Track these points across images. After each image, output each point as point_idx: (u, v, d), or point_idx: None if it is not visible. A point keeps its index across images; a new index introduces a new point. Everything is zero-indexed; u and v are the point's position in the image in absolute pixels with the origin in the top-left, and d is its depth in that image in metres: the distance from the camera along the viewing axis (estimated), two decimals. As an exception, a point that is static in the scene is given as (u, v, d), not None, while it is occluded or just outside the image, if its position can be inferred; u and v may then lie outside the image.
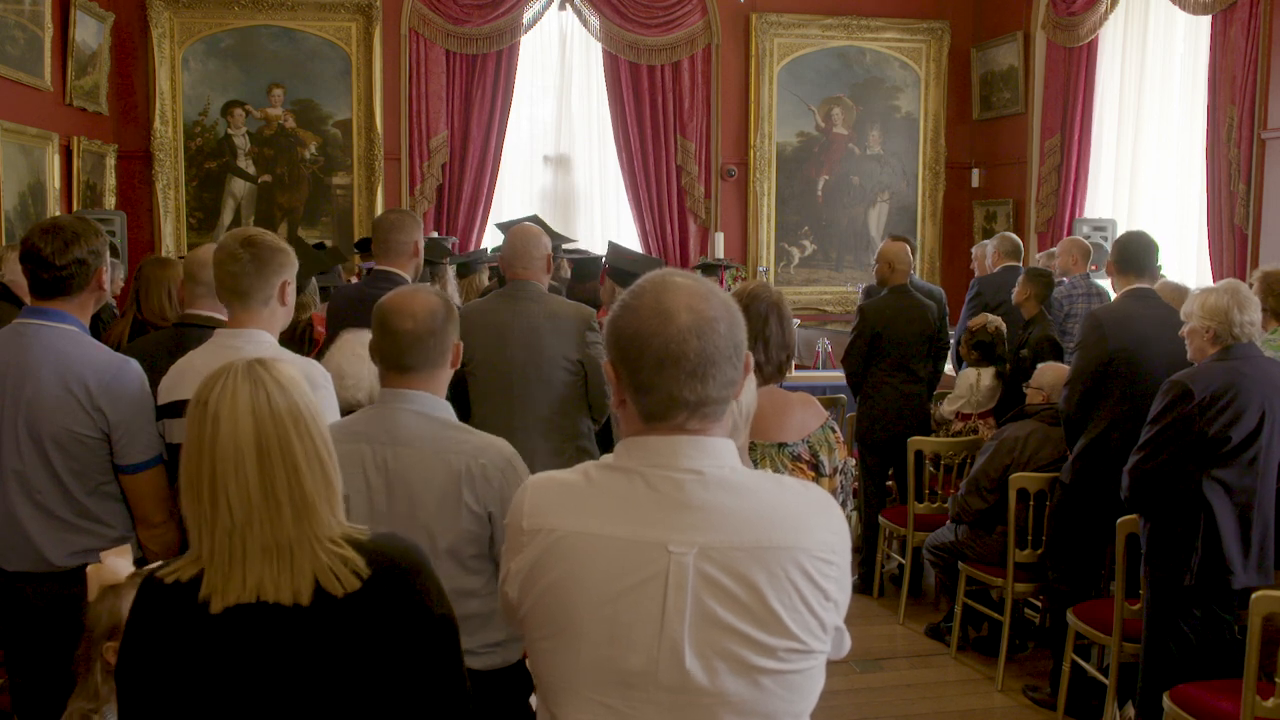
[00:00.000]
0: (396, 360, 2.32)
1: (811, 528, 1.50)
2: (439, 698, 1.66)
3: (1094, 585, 4.45)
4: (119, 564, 2.12)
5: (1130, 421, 4.04)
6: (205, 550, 1.56)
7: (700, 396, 1.47)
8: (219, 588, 1.56)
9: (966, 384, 5.75)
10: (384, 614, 1.59)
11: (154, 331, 3.60)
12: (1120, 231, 7.57)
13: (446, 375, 2.39)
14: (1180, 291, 4.69)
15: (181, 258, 4.17)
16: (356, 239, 8.14)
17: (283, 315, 2.82)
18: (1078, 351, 4.29)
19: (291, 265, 2.79)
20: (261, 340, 2.70)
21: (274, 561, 1.55)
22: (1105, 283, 6.14)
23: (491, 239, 8.51)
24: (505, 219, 7.35)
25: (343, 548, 1.59)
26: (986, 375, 5.73)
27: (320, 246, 7.21)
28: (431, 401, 2.34)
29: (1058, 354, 5.39)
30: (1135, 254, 4.33)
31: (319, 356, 3.21)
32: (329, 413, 2.63)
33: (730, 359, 1.49)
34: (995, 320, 5.75)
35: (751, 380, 2.11)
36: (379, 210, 8.46)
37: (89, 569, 2.12)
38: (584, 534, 1.48)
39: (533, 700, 2.08)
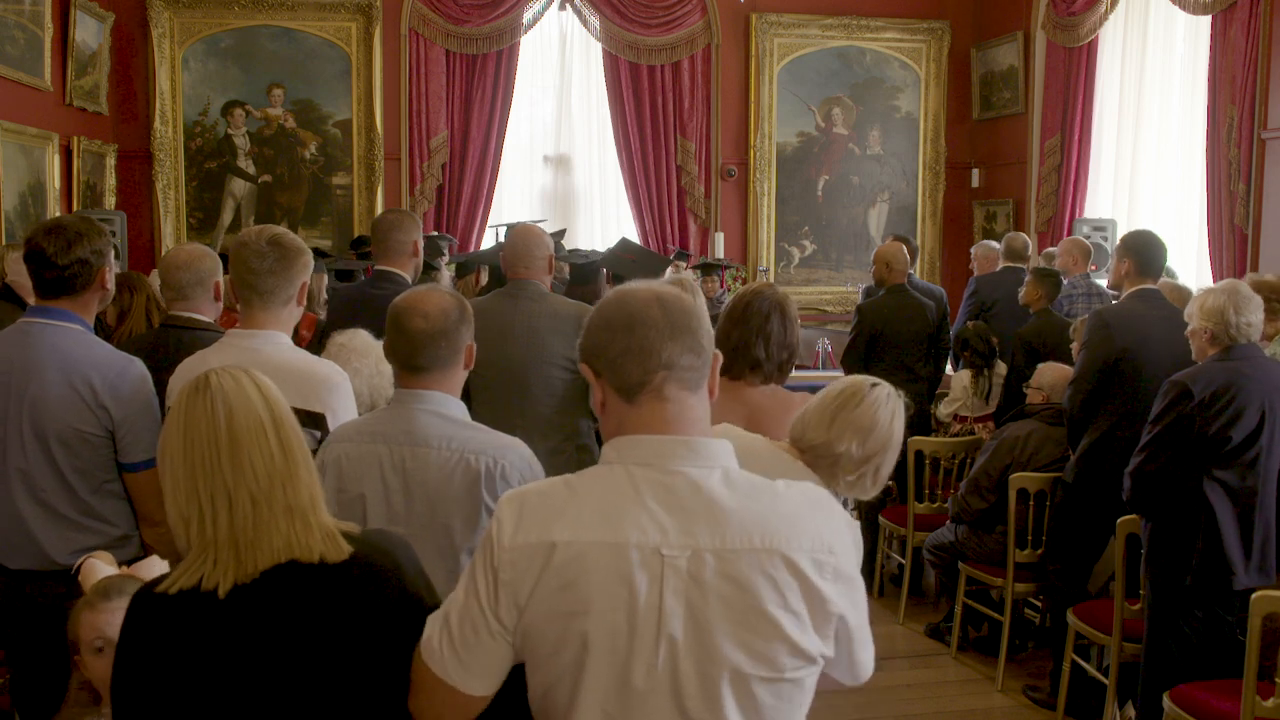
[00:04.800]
0: (409, 360, 2.32)
1: (806, 527, 1.49)
2: None
3: (1084, 587, 4.46)
4: (99, 567, 2.12)
5: (1134, 421, 4.04)
6: (224, 528, 1.58)
7: (671, 354, 1.50)
8: (245, 559, 1.58)
9: (960, 385, 5.76)
10: (370, 590, 1.61)
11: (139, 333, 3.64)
12: (1120, 231, 7.59)
13: (460, 376, 2.38)
14: (1181, 292, 4.69)
15: None
16: (354, 238, 8.15)
17: (297, 316, 2.83)
18: (1083, 351, 4.29)
19: (310, 266, 2.82)
20: (280, 342, 2.71)
21: (292, 521, 1.60)
22: (1105, 283, 6.15)
23: (491, 240, 8.52)
24: (506, 220, 7.35)
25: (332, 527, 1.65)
26: (983, 376, 5.74)
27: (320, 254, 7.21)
28: (447, 401, 2.33)
29: (1034, 357, 5.37)
30: (1156, 257, 4.30)
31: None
32: (348, 411, 2.64)
33: (695, 332, 1.52)
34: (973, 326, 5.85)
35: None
36: (379, 210, 8.45)
37: (82, 575, 2.12)
38: (574, 543, 1.45)
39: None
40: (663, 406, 1.50)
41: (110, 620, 1.94)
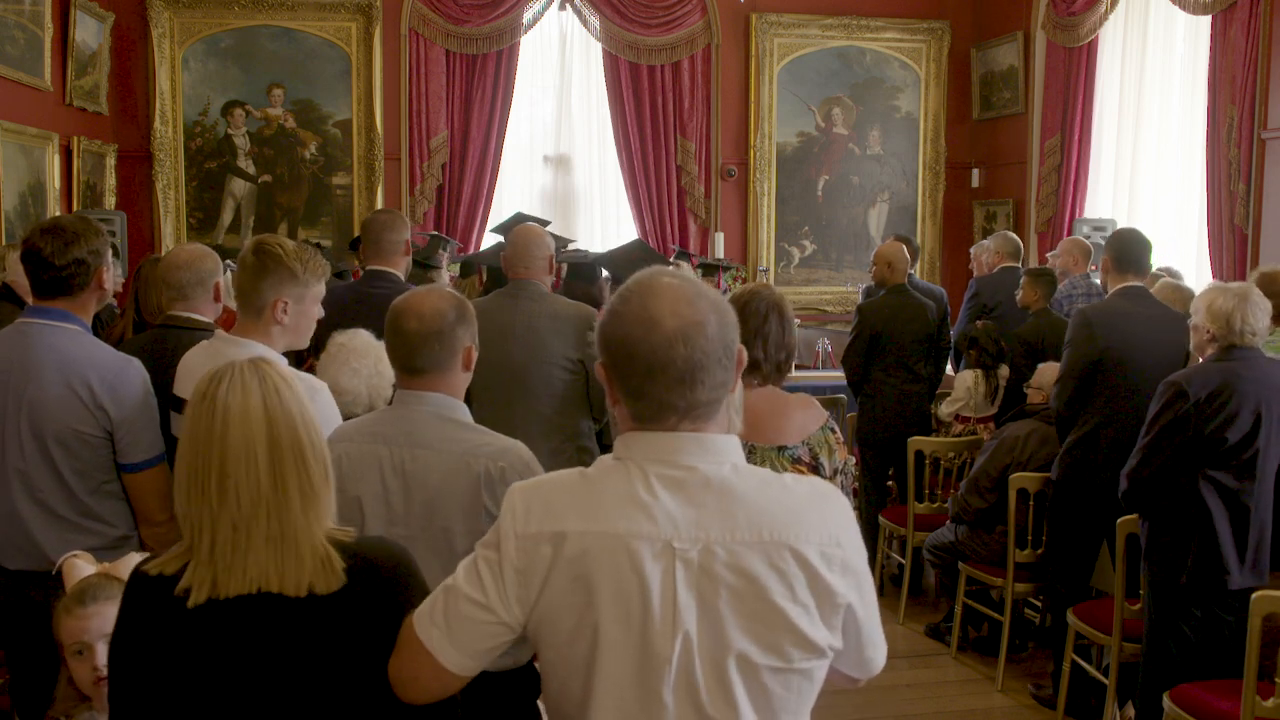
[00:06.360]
0: (406, 361, 2.31)
1: (814, 520, 1.49)
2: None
3: (1087, 584, 4.46)
4: (80, 566, 2.12)
5: (1119, 419, 4.07)
6: (206, 545, 1.56)
7: (690, 401, 1.48)
8: (221, 580, 1.56)
9: (964, 386, 5.75)
10: (366, 615, 1.59)
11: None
12: (1120, 231, 7.57)
13: (460, 377, 2.36)
14: (1182, 292, 4.68)
15: None
16: (352, 239, 8.15)
17: (280, 335, 2.72)
18: (1067, 349, 4.31)
19: (296, 284, 2.70)
20: (254, 352, 2.67)
21: (278, 552, 1.56)
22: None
23: (490, 240, 8.52)
24: (501, 222, 7.33)
25: (329, 546, 1.61)
26: (983, 377, 5.73)
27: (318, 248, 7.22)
28: (448, 403, 2.32)
29: (1031, 355, 5.36)
30: (1133, 252, 4.32)
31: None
32: (329, 420, 2.60)
33: (720, 361, 1.49)
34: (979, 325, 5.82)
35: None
36: (379, 210, 8.45)
37: (64, 576, 2.11)
38: (585, 534, 1.47)
39: (540, 704, 2.07)
40: (682, 435, 1.50)
41: (87, 626, 1.94)
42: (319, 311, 2.83)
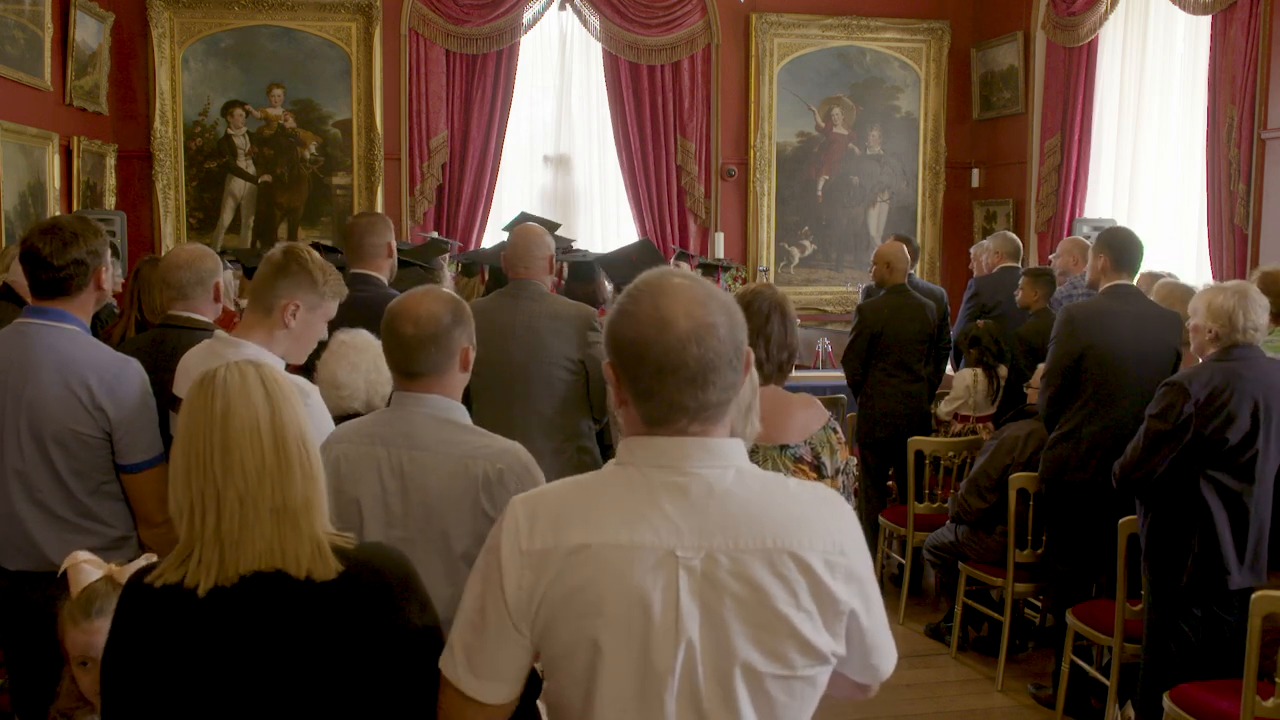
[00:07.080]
0: (402, 366, 2.30)
1: (817, 526, 1.48)
2: (417, 708, 1.63)
3: (1087, 583, 4.46)
4: (87, 570, 2.11)
5: (1102, 416, 4.09)
6: (211, 525, 1.57)
7: (701, 402, 1.46)
8: (228, 558, 1.56)
9: (963, 384, 5.75)
10: (363, 614, 1.59)
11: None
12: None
13: (458, 379, 2.35)
14: (1184, 292, 4.68)
15: None
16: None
17: (283, 339, 2.73)
18: (1050, 346, 4.33)
19: (312, 292, 2.72)
20: (249, 354, 2.67)
21: (281, 525, 1.57)
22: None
23: (490, 239, 8.52)
24: (508, 220, 7.33)
25: (322, 539, 1.62)
26: (984, 376, 5.72)
27: (318, 247, 7.21)
28: (446, 405, 2.32)
29: (1032, 355, 5.36)
30: (1131, 252, 4.32)
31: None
32: (321, 423, 2.58)
33: (730, 362, 1.47)
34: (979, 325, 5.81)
35: (752, 374, 2.10)
36: (380, 210, 8.44)
37: (69, 577, 2.11)
38: (589, 545, 1.45)
39: (541, 705, 2.07)
40: (686, 440, 1.49)
41: (93, 641, 1.93)
42: (323, 332, 2.83)
